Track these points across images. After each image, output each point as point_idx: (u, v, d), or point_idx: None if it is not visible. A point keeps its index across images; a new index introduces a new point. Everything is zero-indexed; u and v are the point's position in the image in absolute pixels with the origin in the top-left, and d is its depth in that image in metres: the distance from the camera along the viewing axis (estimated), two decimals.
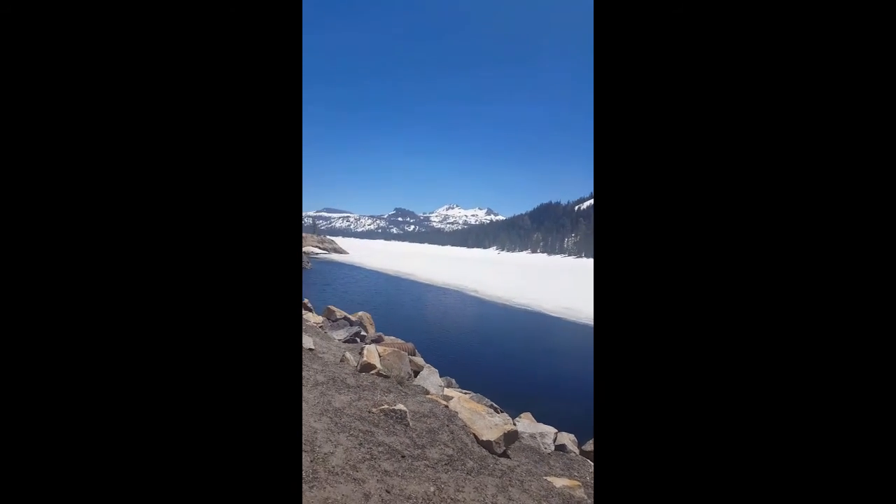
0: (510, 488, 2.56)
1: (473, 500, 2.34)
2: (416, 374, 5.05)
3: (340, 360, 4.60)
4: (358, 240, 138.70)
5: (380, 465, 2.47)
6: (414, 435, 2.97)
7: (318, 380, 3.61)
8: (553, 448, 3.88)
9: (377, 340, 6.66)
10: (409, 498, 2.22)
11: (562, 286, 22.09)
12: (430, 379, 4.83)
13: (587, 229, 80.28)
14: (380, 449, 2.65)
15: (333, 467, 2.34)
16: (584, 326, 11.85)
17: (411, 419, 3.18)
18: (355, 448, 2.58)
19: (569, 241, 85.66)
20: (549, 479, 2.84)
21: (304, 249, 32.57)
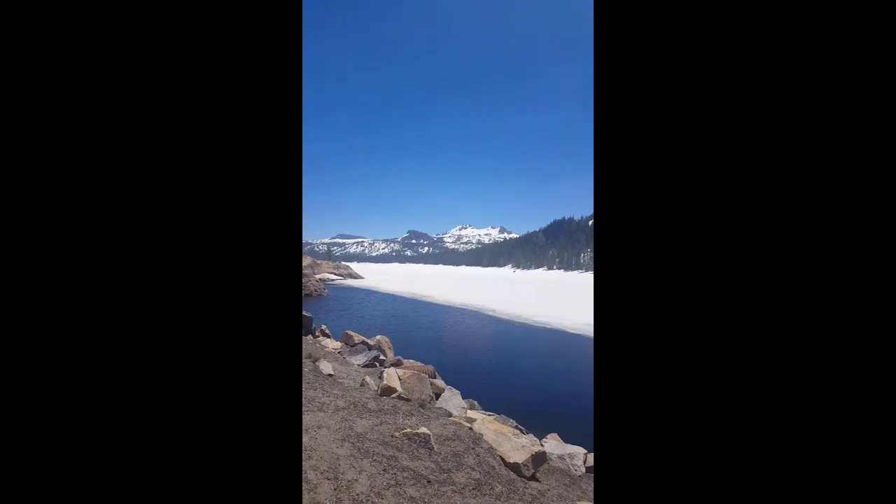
0: None
1: None
2: (438, 396, 4.95)
3: (360, 385, 4.55)
4: (373, 264, 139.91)
5: (405, 492, 2.39)
6: (439, 459, 2.88)
7: (338, 405, 3.57)
8: (584, 470, 3.71)
9: (396, 364, 6.59)
10: None
11: (580, 302, 21.66)
12: (453, 401, 4.73)
13: None
14: (405, 474, 2.57)
15: (358, 495, 2.27)
16: None
17: (435, 442, 3.09)
18: (379, 474, 2.51)
19: (584, 256, 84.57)
20: None
21: (319, 276, 32.99)
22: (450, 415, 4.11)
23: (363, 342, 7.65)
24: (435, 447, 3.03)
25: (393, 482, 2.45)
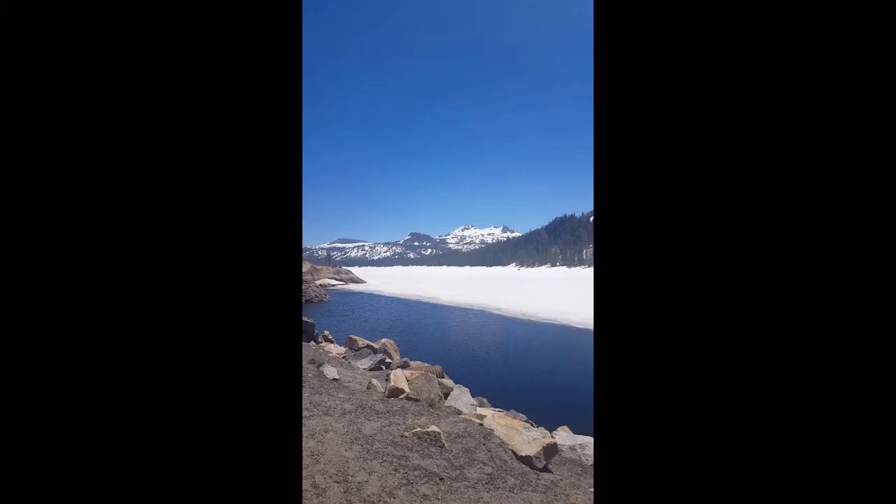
0: (556, 503, 2.40)
1: None
2: (447, 395, 4.92)
3: (367, 388, 4.52)
4: (374, 268, 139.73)
5: (418, 490, 2.36)
6: (450, 456, 2.85)
7: (345, 408, 3.54)
8: None
9: (403, 366, 6.56)
10: None
11: (585, 297, 21.60)
12: (462, 399, 4.69)
13: None
14: (416, 473, 2.54)
15: (369, 496, 2.24)
16: None
17: (446, 440, 3.06)
18: (390, 474, 2.48)
19: (587, 252, 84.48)
20: None
21: (320, 282, 32.83)
22: (460, 412, 4.07)
23: (368, 346, 7.62)
24: (446, 444, 3.00)
25: (405, 481, 2.42)
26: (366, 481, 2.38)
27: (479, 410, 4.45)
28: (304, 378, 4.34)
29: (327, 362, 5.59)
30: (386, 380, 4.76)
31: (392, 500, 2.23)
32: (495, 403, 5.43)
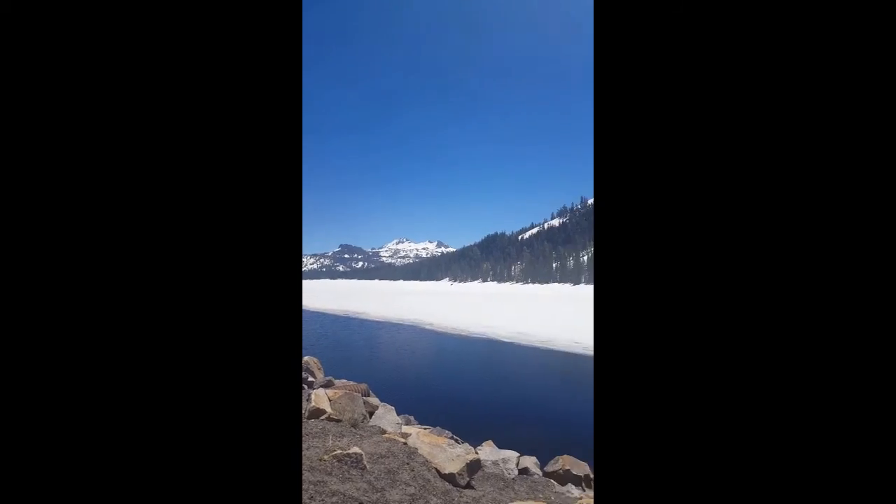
0: None
1: None
2: (372, 414, 4.77)
3: None
4: None
5: None
6: (371, 478, 2.75)
7: None
8: (517, 473, 3.78)
9: (327, 385, 6.24)
10: None
11: (513, 312, 22.51)
12: (387, 417, 4.58)
13: (531, 257, 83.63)
14: (333, 500, 2.41)
15: None
16: (536, 349, 12.06)
17: (368, 461, 2.95)
18: (305, 503, 2.33)
19: (516, 269, 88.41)
20: None
21: None
22: (384, 432, 3.97)
23: None
24: (367, 466, 2.89)
25: None
26: None
27: (405, 428, 4.37)
28: None
29: None
30: (307, 400, 4.48)
31: None
32: (422, 420, 5.37)
